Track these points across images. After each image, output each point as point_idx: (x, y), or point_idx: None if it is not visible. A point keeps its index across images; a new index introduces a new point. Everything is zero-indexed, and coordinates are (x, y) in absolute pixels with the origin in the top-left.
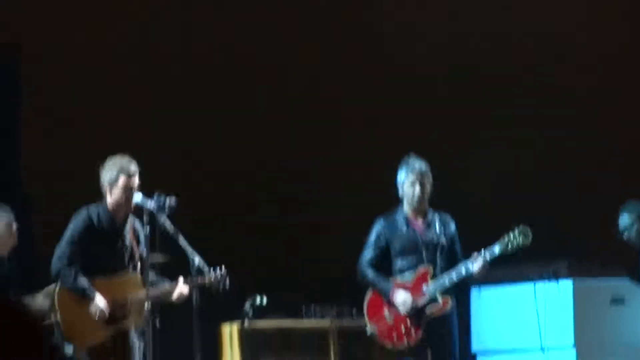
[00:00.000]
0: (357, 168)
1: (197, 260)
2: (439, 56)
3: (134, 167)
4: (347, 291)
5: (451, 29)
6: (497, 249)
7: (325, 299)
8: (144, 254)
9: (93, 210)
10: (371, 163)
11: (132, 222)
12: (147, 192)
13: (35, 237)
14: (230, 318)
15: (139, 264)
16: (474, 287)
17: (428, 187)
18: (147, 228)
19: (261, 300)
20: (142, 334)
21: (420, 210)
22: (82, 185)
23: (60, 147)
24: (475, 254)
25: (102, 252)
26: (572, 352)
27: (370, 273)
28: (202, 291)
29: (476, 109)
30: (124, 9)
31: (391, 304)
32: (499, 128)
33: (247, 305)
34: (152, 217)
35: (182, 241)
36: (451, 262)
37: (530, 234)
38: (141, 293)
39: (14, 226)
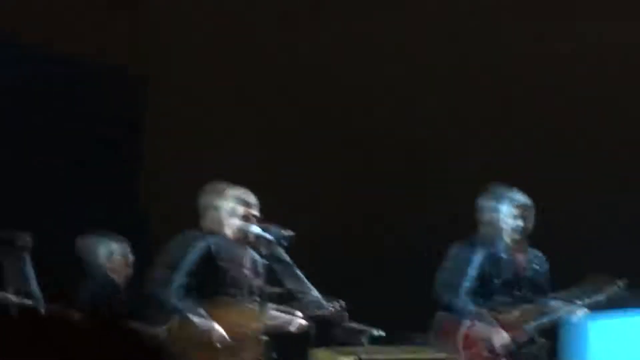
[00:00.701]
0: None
1: (314, 293)
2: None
3: (252, 198)
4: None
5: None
6: (601, 299)
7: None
8: (262, 286)
9: (210, 240)
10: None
11: (250, 253)
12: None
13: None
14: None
15: (256, 296)
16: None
17: (531, 222)
18: (265, 259)
19: (378, 334)
20: None
21: (519, 245)
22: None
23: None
24: (577, 302)
25: (222, 283)
26: None
27: (470, 304)
28: (319, 324)
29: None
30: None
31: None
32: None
33: (364, 339)
34: (269, 248)
35: (300, 274)
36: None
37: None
38: (258, 325)
39: (131, 258)
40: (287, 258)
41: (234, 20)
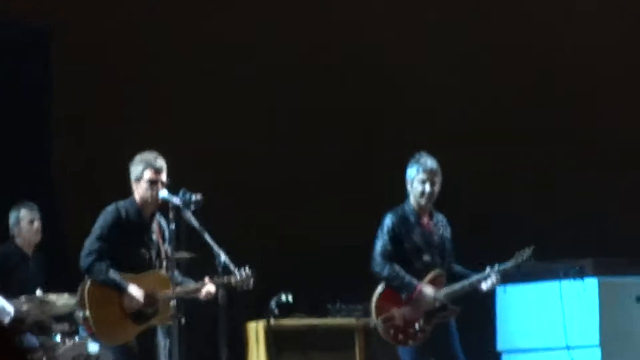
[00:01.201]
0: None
1: (222, 257)
2: None
3: (160, 162)
4: (373, 289)
5: None
6: (509, 266)
7: (350, 296)
8: (170, 251)
9: (121, 205)
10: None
11: (157, 219)
12: (174, 190)
13: (65, 235)
14: (256, 316)
15: (165, 261)
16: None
17: (438, 186)
18: (173, 224)
19: (287, 298)
20: (167, 332)
21: (426, 208)
22: (113, 181)
23: (92, 143)
24: (488, 269)
25: (130, 248)
26: (598, 351)
27: (389, 266)
28: (228, 289)
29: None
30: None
31: (410, 302)
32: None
33: (273, 303)
34: (178, 213)
35: (208, 238)
36: (450, 263)
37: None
38: (169, 291)
39: (37, 223)
40: (195, 222)
41: None
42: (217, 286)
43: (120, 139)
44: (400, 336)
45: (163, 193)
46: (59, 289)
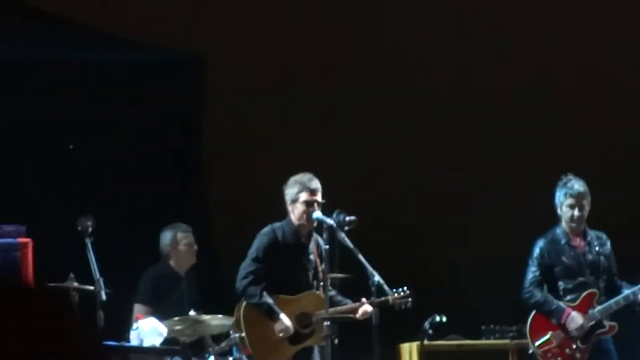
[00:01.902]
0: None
1: (376, 278)
2: None
3: (315, 183)
4: (526, 311)
5: None
6: None
7: (504, 319)
8: (326, 271)
9: (277, 227)
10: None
11: (315, 239)
12: (328, 211)
13: (217, 256)
14: (409, 337)
15: (322, 281)
16: None
17: (587, 209)
18: (327, 245)
19: (440, 319)
20: (321, 352)
21: (578, 230)
22: (269, 205)
23: (244, 167)
24: None
25: (287, 269)
26: None
27: (538, 294)
28: (383, 309)
29: None
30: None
31: (561, 326)
32: None
33: (427, 324)
34: (332, 234)
35: (362, 259)
36: (609, 281)
37: None
38: (324, 311)
39: (195, 247)
40: (349, 243)
41: None
42: (374, 306)
43: (270, 163)
44: (559, 359)
45: (317, 214)
46: (211, 310)
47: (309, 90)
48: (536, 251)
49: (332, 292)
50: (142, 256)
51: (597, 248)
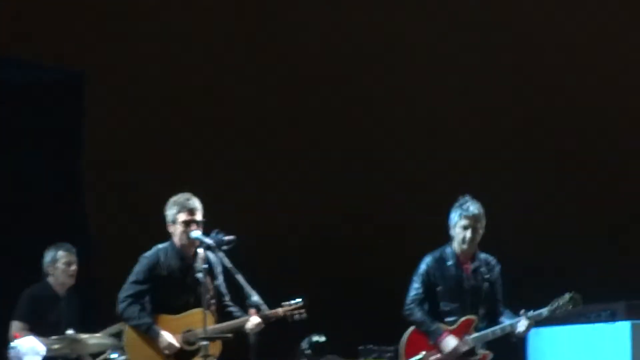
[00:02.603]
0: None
1: (255, 297)
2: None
3: (193, 203)
4: (404, 331)
5: None
6: (545, 312)
7: (382, 339)
8: (221, 287)
9: (162, 249)
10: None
11: (206, 256)
12: (207, 231)
13: (97, 277)
14: (287, 357)
15: (213, 298)
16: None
17: (480, 232)
18: (206, 264)
19: (319, 339)
20: None
21: (469, 253)
22: (151, 225)
23: (125, 188)
24: (522, 313)
25: (171, 289)
26: None
27: (418, 312)
28: (262, 329)
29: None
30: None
31: (435, 347)
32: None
33: (305, 344)
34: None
35: (240, 279)
36: (491, 308)
37: (580, 301)
38: (210, 328)
39: (74, 267)
40: (228, 263)
41: None
42: (265, 318)
43: (153, 184)
44: None
45: (195, 233)
46: (90, 330)
47: (196, 108)
48: (422, 268)
49: (233, 309)
50: (23, 275)
51: (484, 274)
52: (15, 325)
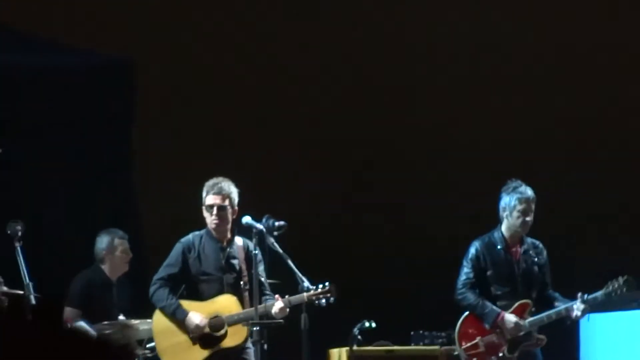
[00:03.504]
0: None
1: (306, 283)
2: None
3: (219, 186)
4: (456, 317)
5: None
6: (600, 296)
7: (434, 325)
8: (257, 275)
9: (196, 234)
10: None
11: (245, 244)
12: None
13: (148, 263)
14: (338, 343)
15: (247, 285)
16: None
17: (532, 216)
18: (257, 250)
19: (370, 325)
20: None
21: (517, 237)
22: (197, 213)
23: (175, 176)
24: (579, 297)
25: (203, 274)
26: None
27: (471, 296)
28: (312, 314)
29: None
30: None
31: (492, 330)
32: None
33: (356, 330)
34: (261, 239)
35: (291, 264)
36: (541, 291)
37: (635, 283)
38: (234, 313)
39: (130, 254)
40: (278, 248)
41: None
42: (289, 303)
43: (203, 169)
44: None
45: (246, 219)
46: (142, 316)
47: (244, 96)
48: (471, 252)
49: (269, 297)
50: (73, 261)
51: (533, 258)
52: (67, 312)
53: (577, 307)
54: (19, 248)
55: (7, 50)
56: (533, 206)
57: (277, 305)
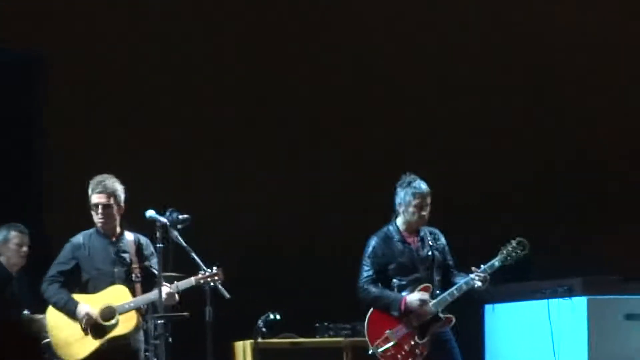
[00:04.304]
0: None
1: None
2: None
3: (103, 184)
4: (360, 308)
5: None
6: (496, 262)
7: (338, 316)
8: (152, 268)
9: (86, 232)
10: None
11: (136, 239)
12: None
13: (51, 257)
14: (243, 335)
15: (139, 277)
16: (487, 304)
17: (428, 209)
18: (160, 243)
19: (274, 317)
20: (155, 351)
21: (413, 228)
22: None
23: (82, 168)
24: (474, 269)
25: (91, 269)
26: None
27: (373, 289)
28: (216, 307)
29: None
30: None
31: (400, 318)
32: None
33: (260, 322)
34: (165, 232)
35: (195, 257)
36: (445, 274)
37: (527, 244)
38: (125, 302)
39: (25, 248)
40: (182, 242)
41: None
42: (178, 289)
43: (110, 163)
44: (399, 357)
45: (150, 212)
46: (44, 310)
47: (150, 91)
48: (369, 249)
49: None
50: None
51: (430, 243)
52: None
53: (475, 277)
54: None
55: None
56: (429, 200)
57: (164, 290)
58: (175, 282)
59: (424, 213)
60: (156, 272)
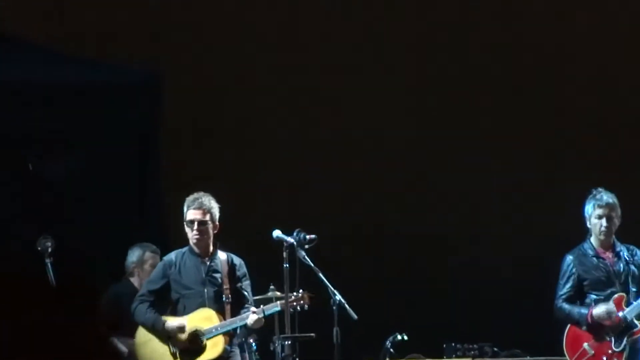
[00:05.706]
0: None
1: (338, 297)
2: None
3: (199, 201)
4: (488, 330)
5: None
6: None
7: (466, 338)
8: (243, 290)
9: (179, 250)
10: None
11: (229, 259)
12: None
13: None
14: (371, 355)
15: (229, 298)
16: None
17: (616, 222)
18: (287, 264)
19: (402, 337)
20: None
21: (607, 243)
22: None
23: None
24: None
25: (183, 289)
26: None
27: (566, 306)
28: (344, 328)
29: None
30: None
31: (591, 331)
32: None
33: (388, 342)
34: (292, 252)
35: (323, 278)
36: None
37: None
38: (214, 326)
39: None
40: (309, 262)
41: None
42: (263, 313)
43: (229, 184)
44: None
45: (276, 233)
46: None
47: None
48: (565, 267)
49: (246, 310)
50: (103, 275)
51: (626, 258)
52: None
53: None
54: (49, 264)
55: (48, 66)
56: (614, 213)
57: (252, 316)
58: (261, 305)
59: (607, 225)
60: (246, 294)
